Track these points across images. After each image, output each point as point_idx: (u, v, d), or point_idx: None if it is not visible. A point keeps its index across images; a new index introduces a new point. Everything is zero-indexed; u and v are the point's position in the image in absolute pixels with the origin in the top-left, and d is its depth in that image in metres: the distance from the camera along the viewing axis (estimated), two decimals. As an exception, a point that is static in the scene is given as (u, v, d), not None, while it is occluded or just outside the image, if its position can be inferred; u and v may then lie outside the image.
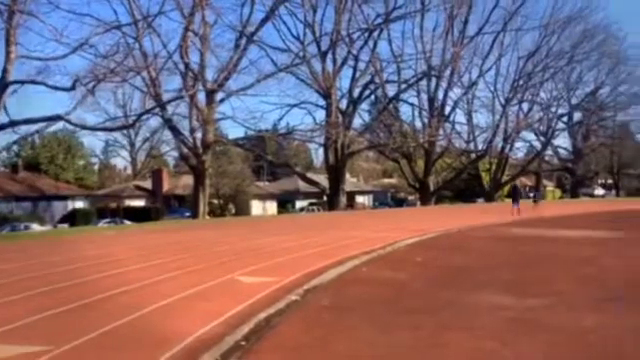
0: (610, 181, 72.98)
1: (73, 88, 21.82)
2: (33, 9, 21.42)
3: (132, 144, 73.42)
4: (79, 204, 48.93)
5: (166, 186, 56.93)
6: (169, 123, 32.13)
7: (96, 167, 75.31)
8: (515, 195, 28.10)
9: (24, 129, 24.65)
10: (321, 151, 44.33)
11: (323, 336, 5.84)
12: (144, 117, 36.08)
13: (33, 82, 22.24)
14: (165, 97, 31.01)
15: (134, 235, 19.66)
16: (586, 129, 62.03)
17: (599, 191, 75.35)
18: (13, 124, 22.17)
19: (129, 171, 76.25)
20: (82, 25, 24.10)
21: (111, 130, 40.74)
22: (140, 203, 55.21)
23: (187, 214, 45.79)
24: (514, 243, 14.98)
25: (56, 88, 22.61)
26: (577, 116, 61.43)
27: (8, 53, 21.91)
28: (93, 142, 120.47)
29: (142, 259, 11.62)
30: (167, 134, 54.87)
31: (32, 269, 10.64)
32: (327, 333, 5.96)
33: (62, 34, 20.96)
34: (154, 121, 49.23)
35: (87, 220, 42.04)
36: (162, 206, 51.64)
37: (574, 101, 58.81)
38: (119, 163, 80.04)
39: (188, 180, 56.46)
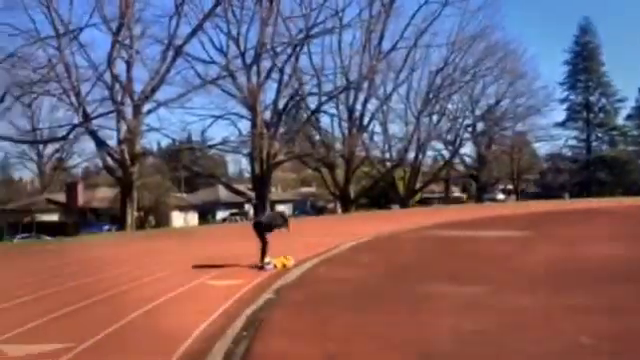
0: (510, 186, 78.77)
1: (2, 100, 21.24)
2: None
3: (40, 155, 69.90)
4: (-13, 219, 46.30)
5: (81, 200, 55.00)
6: (94, 135, 31.62)
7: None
8: None
9: None
10: (236, 162, 45.02)
11: (312, 323, 6.82)
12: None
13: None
14: (89, 108, 30.58)
15: (84, 248, 19.12)
16: (489, 138, 66.88)
17: (500, 196, 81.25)
18: None
19: (36, 184, 72.47)
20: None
21: (43, 142, 39.90)
22: (53, 217, 53.02)
23: (106, 227, 44.66)
24: (441, 243, 16.65)
25: (-19, 100, 21.89)
26: (481, 126, 66.14)
27: None
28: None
29: (109, 267, 11.97)
30: (77, 145, 53.39)
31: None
32: (315, 321, 6.95)
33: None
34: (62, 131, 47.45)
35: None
36: (79, 220, 49.96)
37: (478, 112, 63.32)
38: (25, 176, 75.85)
39: (105, 193, 54.95)
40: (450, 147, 62.23)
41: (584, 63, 72.94)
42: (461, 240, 17.51)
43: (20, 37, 26.31)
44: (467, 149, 68.60)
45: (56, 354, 5.51)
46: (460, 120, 61.99)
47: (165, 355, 5.44)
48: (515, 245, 15.22)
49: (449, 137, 61.11)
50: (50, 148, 66.23)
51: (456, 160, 67.08)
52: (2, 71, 23.59)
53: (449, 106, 59.47)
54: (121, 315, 7.17)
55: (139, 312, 7.45)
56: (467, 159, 70.21)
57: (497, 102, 62.94)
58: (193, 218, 58.95)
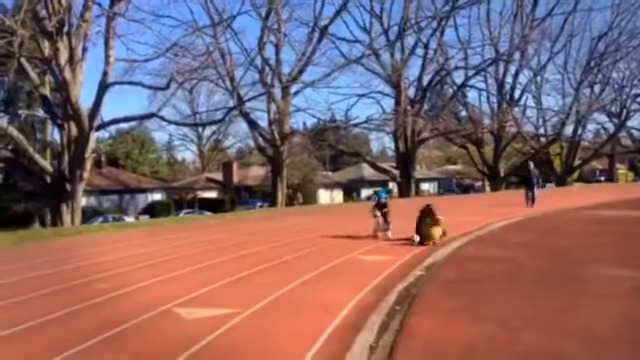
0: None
1: (168, 87, 23.45)
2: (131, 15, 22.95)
3: (200, 137, 76.23)
4: (157, 196, 51.49)
5: (236, 178, 59.03)
6: (247, 117, 33.70)
7: (162, 161, 78.70)
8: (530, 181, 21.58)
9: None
10: (379, 140, 44.99)
11: (467, 302, 6.62)
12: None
13: (131, 83, 23.98)
14: (242, 92, 32.57)
15: (243, 222, 20.35)
16: (663, 109, 59.71)
17: (676, 173, 72.23)
18: (114, 122, 24.00)
19: (197, 164, 79.26)
20: (162, 26, 25.85)
21: (203, 125, 44.22)
22: (212, 194, 57.60)
23: (258, 204, 47.49)
24: (604, 223, 15.25)
25: (151, 87, 24.30)
26: (652, 96, 59.17)
27: (107, 57, 23.69)
28: (161, 137, 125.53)
29: (272, 240, 12.75)
30: (232, 127, 57.45)
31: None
32: (470, 300, 6.74)
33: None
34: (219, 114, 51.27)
35: (167, 211, 44.27)
36: (235, 197, 53.75)
37: (648, 81, 56.73)
38: (187, 156, 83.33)
39: (257, 171, 58.42)
40: (615, 120, 56.65)
41: None
42: (628, 221, 15.91)
43: (180, 28, 28.91)
44: (636, 121, 62.15)
45: (228, 317, 5.99)
46: (627, 90, 56.14)
47: (324, 324, 5.66)
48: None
49: (614, 109, 55.67)
50: (208, 130, 72.08)
51: (622, 134, 60.92)
52: (167, 60, 26.22)
53: (614, 74, 54.29)
54: (281, 284, 7.61)
55: (296, 283, 7.83)
56: (636, 133, 63.42)
57: (673, 68, 55.75)
58: (338, 196, 60.46)
